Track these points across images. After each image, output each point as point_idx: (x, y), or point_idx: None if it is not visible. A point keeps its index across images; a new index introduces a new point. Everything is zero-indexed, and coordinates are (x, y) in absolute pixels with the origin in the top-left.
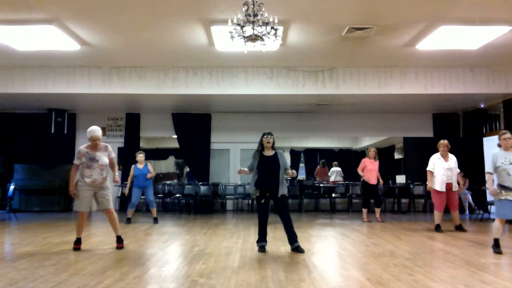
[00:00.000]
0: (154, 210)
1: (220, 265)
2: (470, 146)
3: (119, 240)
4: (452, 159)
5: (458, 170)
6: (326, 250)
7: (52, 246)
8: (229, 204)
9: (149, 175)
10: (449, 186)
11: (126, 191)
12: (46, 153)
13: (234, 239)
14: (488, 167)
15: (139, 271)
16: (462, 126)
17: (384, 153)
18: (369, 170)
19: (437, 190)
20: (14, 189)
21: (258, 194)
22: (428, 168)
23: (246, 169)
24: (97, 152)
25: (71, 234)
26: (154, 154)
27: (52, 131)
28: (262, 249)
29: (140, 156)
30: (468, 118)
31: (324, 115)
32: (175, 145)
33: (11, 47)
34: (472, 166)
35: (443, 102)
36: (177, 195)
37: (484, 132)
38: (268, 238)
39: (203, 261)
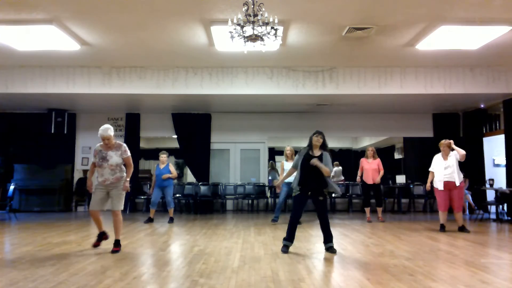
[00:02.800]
0: (171, 210)
1: (220, 265)
2: (470, 146)
3: (116, 243)
4: (451, 156)
5: (459, 149)
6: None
7: (52, 246)
8: (229, 204)
9: (165, 176)
10: (449, 184)
11: (150, 191)
12: (46, 153)
13: (234, 239)
14: None
15: (139, 271)
16: (462, 126)
17: (384, 153)
18: (366, 170)
19: (437, 189)
20: (14, 189)
21: (298, 192)
22: (430, 169)
23: (278, 182)
24: (110, 151)
25: (71, 234)
26: (154, 154)
27: (52, 131)
28: (285, 248)
29: (162, 157)
30: (468, 118)
31: (324, 115)
32: (175, 145)
33: (11, 47)
34: (472, 166)
35: (443, 102)
36: (177, 195)
37: (484, 132)
38: (268, 238)
39: (203, 261)
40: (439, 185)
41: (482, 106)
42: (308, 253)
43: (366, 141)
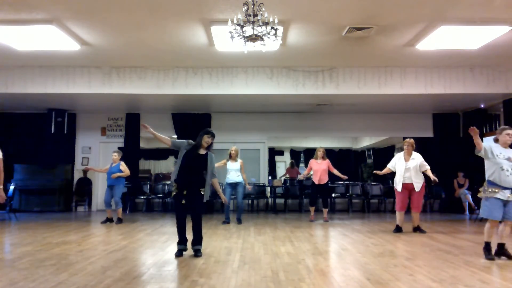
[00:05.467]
0: (119, 211)
1: (220, 265)
2: (470, 146)
3: None
4: (414, 158)
5: (427, 168)
6: (326, 250)
7: (52, 246)
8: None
9: (114, 175)
10: (409, 186)
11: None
12: (46, 153)
13: (234, 239)
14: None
15: (139, 271)
16: (462, 126)
17: (384, 153)
18: (315, 170)
19: (397, 190)
20: (14, 189)
21: (177, 191)
22: (388, 165)
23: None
24: None
25: (71, 234)
26: (154, 154)
27: (52, 131)
28: (178, 253)
29: (113, 155)
30: (468, 118)
31: (324, 115)
32: None
33: (11, 47)
34: (472, 166)
35: (443, 102)
36: None
37: (484, 132)
38: (268, 238)
39: (203, 261)
40: (398, 186)
41: (482, 106)
42: (308, 253)
43: (366, 141)
